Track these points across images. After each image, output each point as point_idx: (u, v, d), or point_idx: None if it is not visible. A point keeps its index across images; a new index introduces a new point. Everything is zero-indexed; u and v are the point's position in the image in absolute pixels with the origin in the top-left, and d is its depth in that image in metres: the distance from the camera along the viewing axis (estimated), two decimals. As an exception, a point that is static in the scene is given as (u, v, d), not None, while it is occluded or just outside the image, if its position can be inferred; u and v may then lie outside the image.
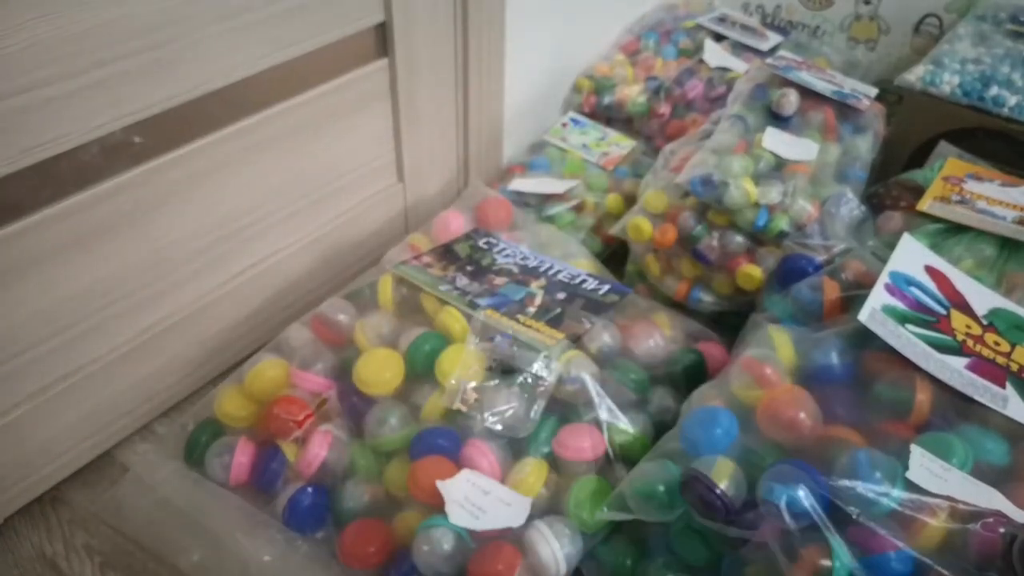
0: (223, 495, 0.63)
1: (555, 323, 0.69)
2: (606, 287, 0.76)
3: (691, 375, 0.71)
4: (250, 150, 0.76)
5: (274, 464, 0.64)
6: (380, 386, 0.66)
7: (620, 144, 1.11)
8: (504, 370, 0.65)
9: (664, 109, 1.13)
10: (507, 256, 0.79)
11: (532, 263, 0.78)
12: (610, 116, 1.17)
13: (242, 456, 0.64)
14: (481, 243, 0.81)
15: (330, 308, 0.75)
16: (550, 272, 0.77)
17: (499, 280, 0.74)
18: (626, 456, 0.64)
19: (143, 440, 0.80)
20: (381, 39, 0.84)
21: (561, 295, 0.73)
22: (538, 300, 0.72)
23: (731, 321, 0.81)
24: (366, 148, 0.90)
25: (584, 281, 0.76)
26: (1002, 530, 0.50)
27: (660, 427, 0.66)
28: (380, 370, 0.66)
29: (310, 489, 0.63)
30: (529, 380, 0.64)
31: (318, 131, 0.82)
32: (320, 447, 0.63)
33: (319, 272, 0.92)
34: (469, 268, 0.76)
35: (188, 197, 0.73)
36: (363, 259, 0.95)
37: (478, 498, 0.58)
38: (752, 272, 0.83)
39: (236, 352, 0.86)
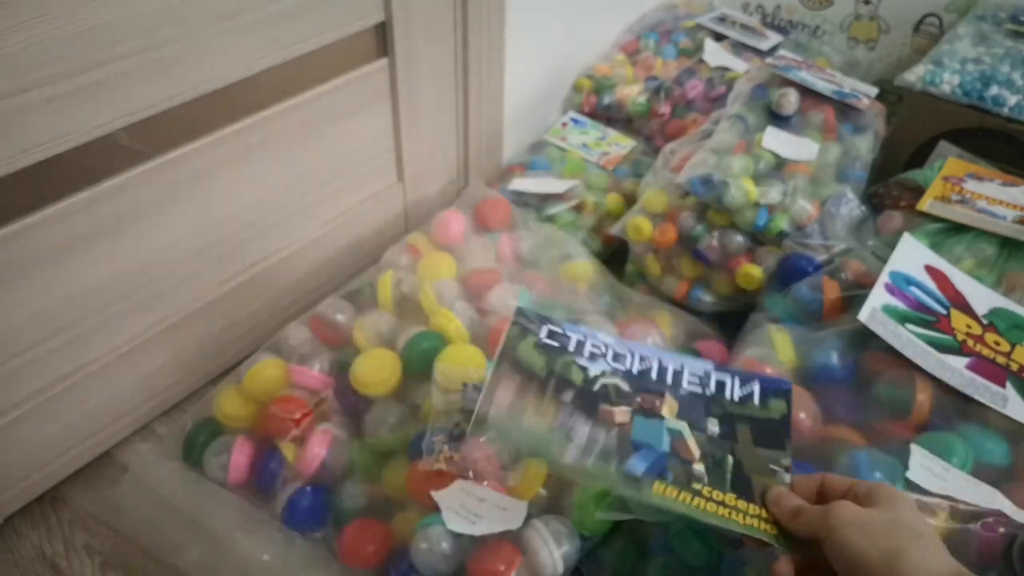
0: (222, 495, 0.63)
1: (742, 487, 0.50)
2: (755, 388, 0.56)
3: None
4: (250, 150, 0.76)
5: (272, 464, 0.64)
6: (377, 386, 0.66)
7: (620, 144, 1.11)
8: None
9: (664, 109, 1.13)
10: (595, 357, 0.58)
11: (635, 364, 0.58)
12: (610, 116, 1.17)
13: (240, 455, 0.64)
14: (544, 337, 0.59)
15: (329, 307, 0.75)
16: (668, 379, 0.57)
17: (620, 414, 0.54)
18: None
19: (143, 440, 0.80)
20: (381, 39, 0.84)
21: (713, 425, 0.54)
22: (692, 445, 0.53)
23: (731, 321, 0.81)
24: (366, 148, 0.90)
25: (723, 385, 0.57)
26: (1002, 530, 0.50)
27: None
28: (377, 370, 0.66)
29: (309, 489, 0.63)
30: None
31: (318, 131, 0.82)
32: (319, 446, 0.63)
33: (319, 272, 0.92)
34: (568, 396, 0.55)
35: (188, 197, 0.73)
36: (363, 259, 0.95)
37: (474, 505, 0.57)
38: (752, 272, 0.83)
39: (236, 352, 0.86)
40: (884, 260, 0.69)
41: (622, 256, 0.96)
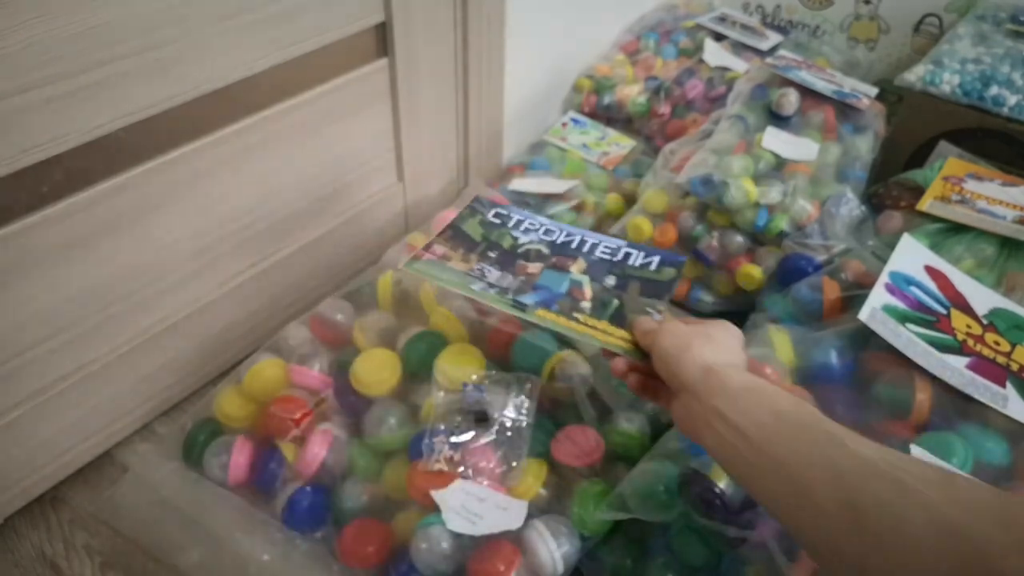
0: (222, 495, 0.63)
1: (619, 320, 0.59)
2: (656, 259, 0.65)
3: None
4: (250, 150, 0.76)
5: (272, 464, 0.64)
6: (377, 386, 0.66)
7: (620, 144, 1.11)
8: (478, 419, 0.62)
9: (664, 109, 1.13)
10: (528, 231, 0.68)
11: (560, 238, 0.68)
12: (610, 116, 1.17)
13: (240, 456, 0.64)
14: (491, 216, 0.70)
15: (328, 307, 0.75)
16: (586, 248, 0.67)
17: (533, 267, 0.64)
18: (625, 456, 0.64)
19: (143, 440, 0.80)
20: (381, 39, 0.84)
21: (611, 280, 0.63)
22: (587, 290, 0.62)
23: (731, 321, 0.81)
24: (366, 148, 0.90)
25: (629, 255, 0.66)
26: (1002, 530, 0.50)
27: (658, 427, 0.66)
28: (377, 370, 0.66)
29: (309, 489, 0.62)
30: (507, 424, 0.62)
31: (318, 131, 0.82)
32: (320, 447, 0.63)
33: (319, 272, 0.92)
34: (492, 254, 0.66)
35: (188, 197, 0.73)
36: (363, 259, 0.95)
37: (474, 505, 0.57)
38: (752, 272, 0.83)
39: (236, 352, 0.86)
40: (884, 260, 0.69)
41: (622, 256, 0.96)
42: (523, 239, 0.68)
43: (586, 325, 0.59)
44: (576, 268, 0.64)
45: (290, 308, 0.89)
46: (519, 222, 0.70)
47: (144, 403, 0.79)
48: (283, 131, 0.78)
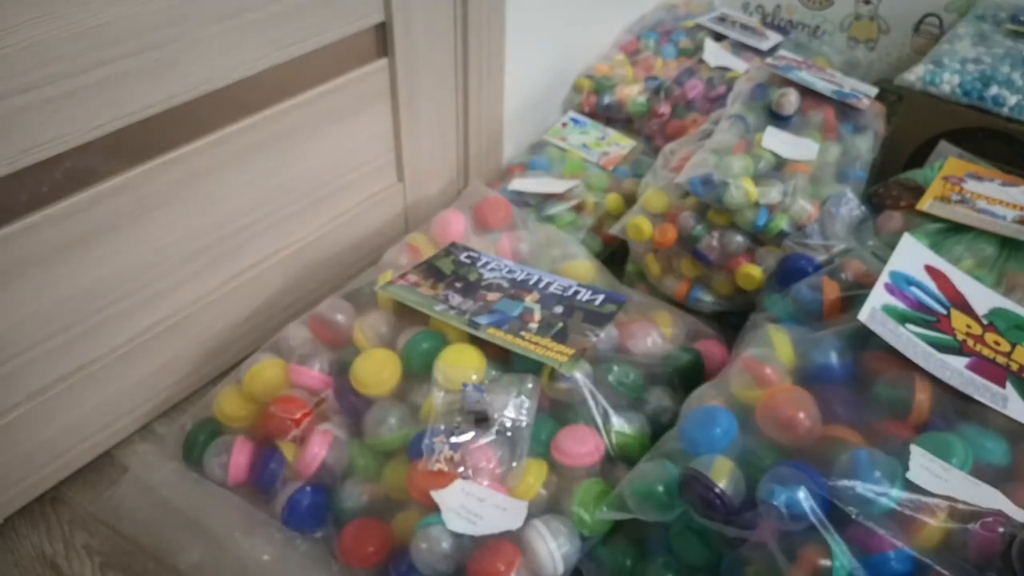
0: (222, 495, 0.63)
1: (561, 338, 0.67)
2: (601, 297, 0.73)
3: (688, 375, 0.71)
4: (250, 150, 0.76)
5: (273, 464, 0.64)
6: (377, 386, 0.66)
7: (620, 144, 1.11)
8: (478, 419, 0.62)
9: (664, 109, 1.13)
10: (493, 270, 0.77)
11: (520, 276, 0.76)
12: (610, 116, 1.17)
13: (240, 456, 0.64)
14: (463, 257, 0.79)
15: (328, 308, 0.75)
16: (541, 285, 0.75)
17: (492, 296, 0.73)
18: (625, 456, 0.64)
19: (143, 440, 0.80)
20: (381, 39, 0.84)
21: (559, 309, 0.71)
22: (537, 315, 0.70)
23: (731, 321, 0.81)
24: (366, 148, 0.90)
25: (578, 292, 0.74)
26: (1001, 530, 0.50)
27: (658, 427, 0.66)
28: (377, 370, 0.66)
29: (309, 489, 0.62)
30: (507, 424, 0.62)
31: (318, 131, 0.82)
32: (320, 447, 0.63)
33: (319, 272, 0.92)
34: (458, 285, 0.74)
35: (188, 197, 0.73)
36: (363, 259, 0.95)
37: (474, 505, 0.57)
38: (752, 272, 0.83)
39: (236, 352, 0.86)
40: (884, 260, 0.69)
41: (622, 256, 0.96)
42: (487, 275, 0.76)
43: (530, 342, 0.66)
44: (530, 299, 0.73)
45: (290, 308, 0.89)
46: (486, 263, 0.78)
47: (144, 403, 0.79)
48: (283, 131, 0.79)
